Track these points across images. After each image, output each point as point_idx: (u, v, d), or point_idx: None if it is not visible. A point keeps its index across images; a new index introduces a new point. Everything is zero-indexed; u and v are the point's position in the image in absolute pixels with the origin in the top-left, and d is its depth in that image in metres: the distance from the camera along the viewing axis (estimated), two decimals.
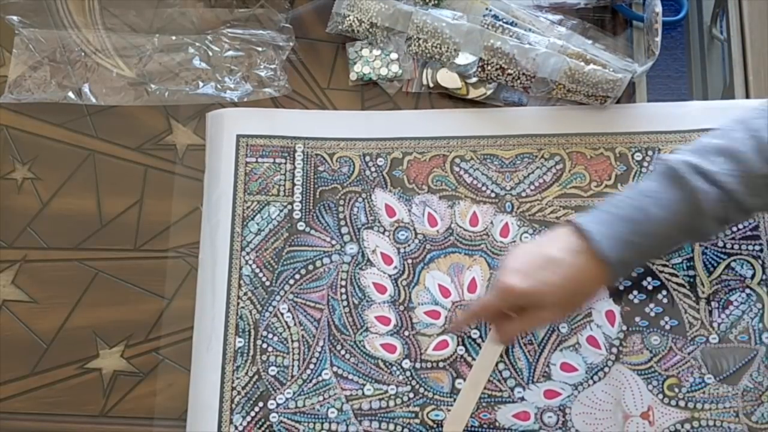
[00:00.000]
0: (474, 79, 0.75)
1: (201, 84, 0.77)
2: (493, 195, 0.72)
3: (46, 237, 0.73)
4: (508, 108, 0.75)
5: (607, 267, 0.56)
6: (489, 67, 0.74)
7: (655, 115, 0.74)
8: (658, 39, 0.73)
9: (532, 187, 0.72)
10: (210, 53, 0.78)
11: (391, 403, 0.67)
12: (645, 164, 0.72)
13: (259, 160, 0.74)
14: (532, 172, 0.72)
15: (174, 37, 0.78)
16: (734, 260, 0.69)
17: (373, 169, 0.73)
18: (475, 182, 0.73)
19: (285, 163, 0.74)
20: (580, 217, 0.59)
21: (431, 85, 0.76)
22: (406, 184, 0.73)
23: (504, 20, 0.76)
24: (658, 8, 0.73)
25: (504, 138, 0.74)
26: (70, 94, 0.76)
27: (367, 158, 0.74)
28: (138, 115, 0.76)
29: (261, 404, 0.67)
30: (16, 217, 0.74)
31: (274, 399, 0.67)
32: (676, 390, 0.66)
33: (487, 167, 0.73)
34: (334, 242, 0.71)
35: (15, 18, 0.79)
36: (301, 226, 0.72)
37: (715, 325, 0.67)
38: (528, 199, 0.72)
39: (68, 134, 0.76)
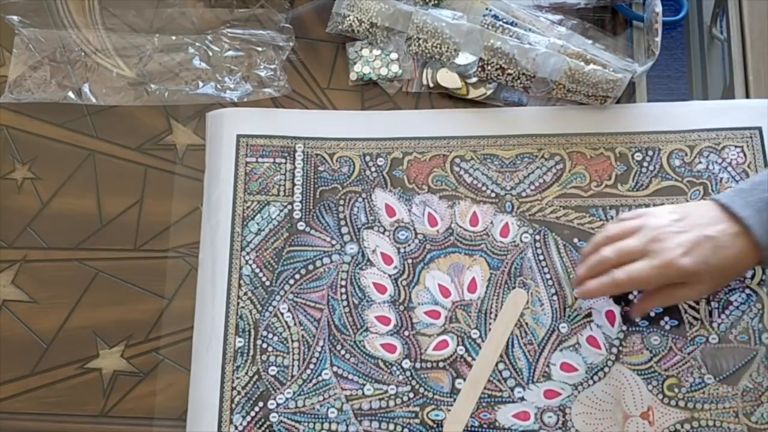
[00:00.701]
0: (474, 79, 0.75)
1: (201, 84, 0.77)
2: (493, 195, 0.72)
3: (46, 237, 0.73)
4: (508, 108, 0.75)
5: (760, 251, 0.58)
6: (489, 67, 0.74)
7: (655, 115, 0.74)
8: (658, 39, 0.73)
9: (532, 187, 0.72)
10: (210, 53, 0.78)
11: (391, 403, 0.67)
12: (645, 164, 0.72)
13: (259, 160, 0.74)
14: (532, 172, 0.72)
15: (174, 37, 0.78)
16: None
17: (373, 169, 0.73)
18: (475, 182, 0.73)
19: (285, 163, 0.74)
20: (728, 199, 0.60)
21: (431, 85, 0.76)
22: (406, 184, 0.73)
23: (504, 20, 0.76)
24: (658, 8, 0.73)
25: (504, 138, 0.74)
26: (70, 93, 0.76)
27: (367, 158, 0.74)
28: (138, 115, 0.76)
29: (261, 404, 0.67)
30: (16, 217, 0.74)
31: (274, 399, 0.67)
32: (676, 390, 0.66)
33: (487, 167, 0.73)
34: (334, 242, 0.71)
35: (15, 18, 0.79)
36: (301, 226, 0.72)
37: (714, 325, 0.67)
38: (528, 199, 0.72)
39: (68, 134, 0.76)
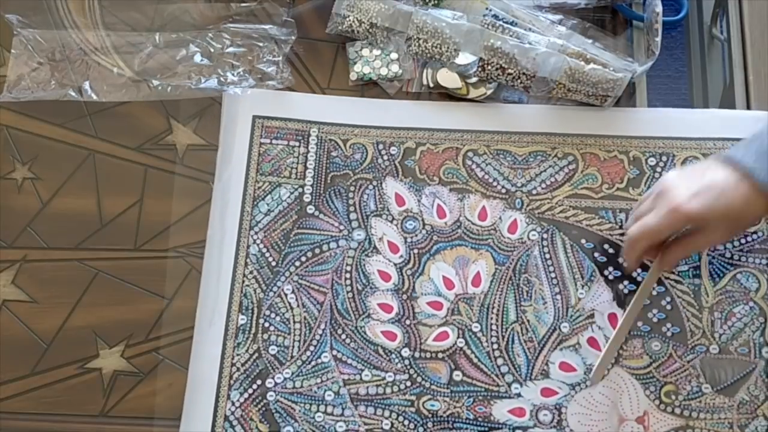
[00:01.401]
0: (474, 79, 0.75)
1: (203, 80, 0.76)
2: (503, 191, 0.72)
3: (46, 237, 0.73)
4: (524, 105, 0.75)
5: (765, 194, 0.59)
6: (489, 67, 0.74)
7: (671, 121, 0.73)
8: (658, 39, 0.73)
9: (543, 186, 0.72)
10: (211, 49, 0.77)
11: (388, 390, 0.67)
12: (658, 169, 0.72)
13: (274, 141, 0.74)
14: (544, 171, 0.73)
15: (174, 35, 0.78)
16: (740, 272, 0.69)
17: (385, 157, 0.74)
18: (486, 177, 0.73)
19: (299, 146, 0.74)
20: (730, 151, 0.61)
21: (431, 84, 0.75)
22: (418, 175, 0.73)
23: (504, 20, 0.76)
24: (659, 8, 0.73)
25: (519, 135, 0.74)
26: (71, 91, 0.76)
27: (380, 146, 0.74)
28: (138, 115, 0.76)
29: (259, 382, 0.67)
30: (16, 217, 0.73)
31: (273, 378, 0.68)
32: (673, 397, 0.66)
33: (499, 163, 0.73)
34: (342, 227, 0.72)
35: (14, 18, 0.78)
36: (310, 209, 0.72)
37: (716, 335, 0.67)
38: (538, 197, 0.72)
39: (68, 134, 0.76)
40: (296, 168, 0.73)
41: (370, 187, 0.73)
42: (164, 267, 0.71)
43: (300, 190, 0.73)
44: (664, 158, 0.72)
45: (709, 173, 0.61)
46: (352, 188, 0.73)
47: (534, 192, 0.72)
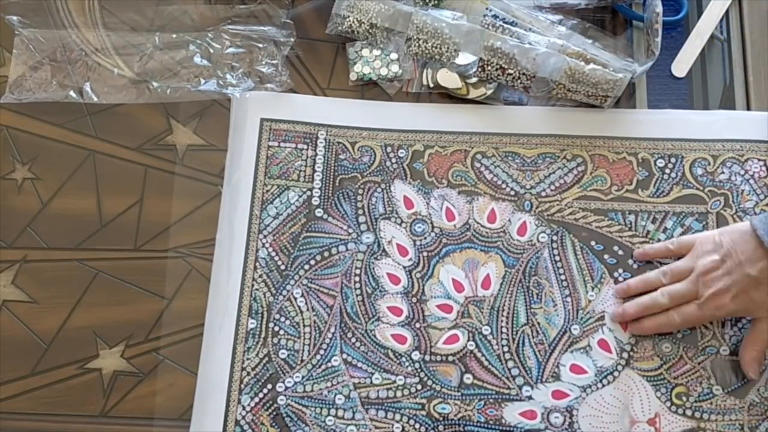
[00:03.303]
0: (474, 79, 0.75)
1: (203, 81, 0.76)
2: (512, 193, 0.72)
3: (46, 237, 0.73)
4: (532, 107, 0.75)
5: None
6: (489, 67, 0.74)
7: (680, 122, 0.74)
8: (658, 39, 0.73)
9: (552, 188, 0.72)
10: (211, 50, 0.77)
11: (399, 394, 0.67)
12: (667, 171, 0.72)
13: (282, 144, 0.74)
14: (553, 173, 0.73)
15: (174, 35, 0.78)
16: None
17: (393, 160, 0.74)
18: (495, 179, 0.73)
19: (307, 149, 0.74)
20: (765, 230, 0.62)
21: (431, 85, 0.75)
22: (426, 177, 0.73)
23: (504, 20, 0.76)
24: (659, 8, 0.73)
25: (527, 137, 0.74)
26: (72, 93, 0.76)
27: (389, 149, 0.74)
28: (138, 115, 0.76)
29: (270, 386, 0.67)
30: (16, 217, 0.73)
31: (283, 382, 0.67)
32: (684, 399, 0.66)
33: (508, 165, 0.73)
34: (350, 230, 0.72)
35: (15, 18, 0.78)
36: (319, 212, 0.72)
37: (726, 336, 0.67)
38: (547, 199, 0.72)
39: (68, 134, 0.76)
40: (304, 171, 0.73)
41: (379, 190, 0.73)
42: (164, 267, 0.71)
43: (308, 193, 0.73)
44: (672, 160, 0.72)
45: (747, 261, 0.63)
46: (360, 191, 0.73)
47: (543, 194, 0.72)
